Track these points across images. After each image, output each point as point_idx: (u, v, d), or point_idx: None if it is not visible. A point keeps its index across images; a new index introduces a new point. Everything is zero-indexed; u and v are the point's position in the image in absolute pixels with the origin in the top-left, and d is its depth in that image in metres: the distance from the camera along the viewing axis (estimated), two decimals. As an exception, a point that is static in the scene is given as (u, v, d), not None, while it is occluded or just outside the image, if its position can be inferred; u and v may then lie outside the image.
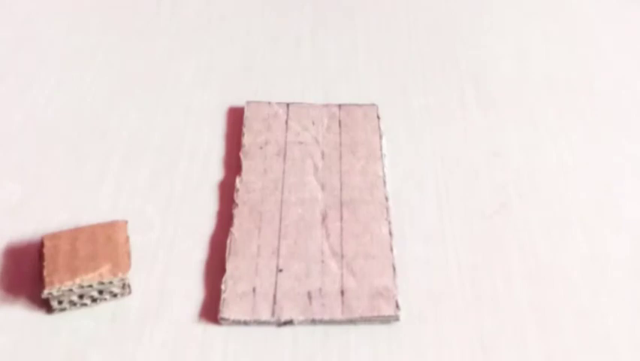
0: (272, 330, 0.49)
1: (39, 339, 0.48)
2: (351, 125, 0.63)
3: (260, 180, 0.57)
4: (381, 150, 0.61)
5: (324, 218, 0.55)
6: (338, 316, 0.49)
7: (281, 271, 0.51)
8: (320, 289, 0.51)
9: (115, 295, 0.50)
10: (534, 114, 0.65)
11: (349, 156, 0.60)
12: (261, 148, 0.60)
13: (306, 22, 0.75)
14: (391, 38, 0.73)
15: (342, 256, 0.53)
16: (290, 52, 0.72)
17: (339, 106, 0.64)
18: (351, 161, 0.60)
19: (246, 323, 0.49)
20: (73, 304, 0.49)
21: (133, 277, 0.50)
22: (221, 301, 0.49)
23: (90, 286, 0.48)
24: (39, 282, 0.49)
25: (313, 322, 0.49)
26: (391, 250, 0.53)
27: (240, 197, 0.56)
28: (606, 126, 0.64)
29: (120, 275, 0.49)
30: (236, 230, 0.54)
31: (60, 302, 0.49)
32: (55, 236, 0.51)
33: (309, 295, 0.50)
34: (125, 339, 0.48)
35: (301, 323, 0.49)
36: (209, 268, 0.52)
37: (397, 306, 0.50)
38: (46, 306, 0.49)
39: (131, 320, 0.49)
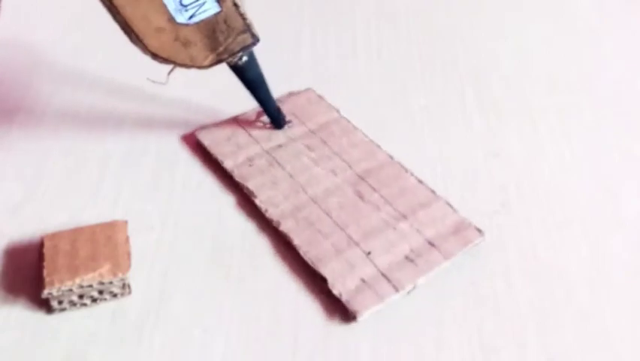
0: (271, 330, 0.49)
1: (39, 339, 0.48)
2: (305, 113, 0.64)
3: (276, 192, 0.56)
4: (349, 121, 0.62)
5: (360, 196, 0.56)
6: (443, 262, 0.51)
7: (369, 253, 0.52)
8: (412, 250, 0.52)
9: (115, 295, 0.50)
10: (534, 114, 0.65)
11: (330, 138, 0.61)
12: (251, 165, 0.59)
13: (306, 22, 0.75)
14: (391, 38, 0.73)
15: (405, 216, 0.54)
16: (289, 52, 0.72)
17: (280, 99, 0.64)
18: (336, 141, 0.61)
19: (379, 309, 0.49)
20: (73, 304, 0.49)
21: (133, 277, 0.50)
22: (346, 303, 0.49)
23: (90, 286, 0.48)
24: (39, 282, 0.49)
25: (427, 277, 0.50)
26: (433, 192, 0.56)
27: (274, 215, 0.55)
28: (606, 126, 0.64)
29: (120, 275, 0.49)
30: (303, 244, 0.53)
31: (60, 302, 0.49)
32: (55, 236, 0.51)
33: (409, 258, 0.51)
34: (125, 339, 0.48)
35: (422, 283, 0.50)
36: (209, 267, 0.53)
37: (480, 231, 0.53)
38: (46, 306, 0.49)
39: (131, 320, 0.49)
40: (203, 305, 0.50)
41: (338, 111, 0.63)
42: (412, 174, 0.58)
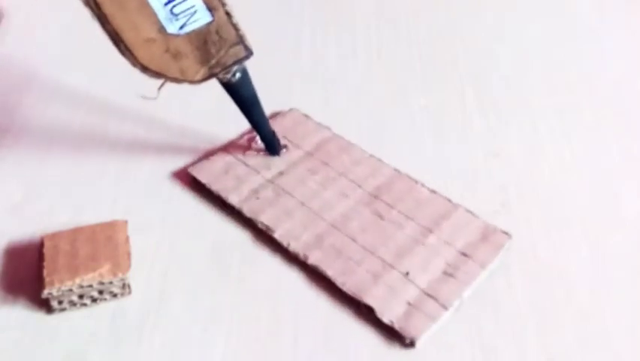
0: (271, 330, 0.49)
1: (39, 339, 0.48)
2: (296, 135, 0.61)
3: (293, 223, 0.54)
4: (343, 138, 0.61)
5: (379, 215, 0.55)
6: (481, 272, 0.51)
7: (407, 273, 0.51)
8: (448, 264, 0.51)
9: (115, 295, 0.50)
10: (534, 114, 0.65)
11: (330, 158, 0.59)
12: (258, 198, 0.56)
13: (307, 22, 0.75)
14: (391, 39, 0.73)
15: (430, 230, 0.53)
16: (289, 52, 0.72)
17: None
18: (336, 160, 0.59)
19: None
20: (73, 304, 0.49)
21: (133, 277, 0.50)
22: (400, 330, 0.47)
23: (90, 286, 0.48)
24: (39, 282, 0.49)
25: (471, 285, 0.50)
26: (449, 200, 0.55)
27: (298, 248, 0.53)
28: (606, 126, 0.64)
29: (120, 275, 0.49)
30: (337, 275, 0.51)
31: (60, 302, 0.49)
32: (55, 236, 0.51)
33: (447, 273, 0.51)
34: (125, 339, 0.48)
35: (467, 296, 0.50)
36: (209, 267, 0.53)
37: (507, 233, 0.53)
38: (46, 306, 0.49)
39: (131, 320, 0.49)
40: (203, 305, 0.50)
41: (328, 127, 0.62)
42: (422, 185, 0.57)
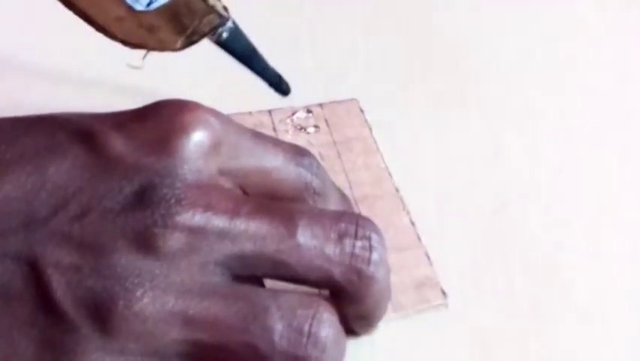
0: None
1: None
2: (338, 122, 0.62)
3: None
4: (375, 142, 0.60)
5: None
6: (391, 313, 0.48)
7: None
8: None
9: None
10: (534, 114, 0.65)
11: (347, 153, 0.59)
12: None
13: (306, 21, 0.74)
14: (391, 38, 0.73)
15: None
16: (286, 53, 0.71)
17: (321, 105, 0.63)
18: (350, 158, 0.59)
19: None
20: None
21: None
22: None
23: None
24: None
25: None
26: (419, 238, 0.53)
27: None
28: (606, 126, 0.64)
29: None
30: None
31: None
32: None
33: None
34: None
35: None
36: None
37: (444, 293, 0.50)
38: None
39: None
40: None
41: (370, 129, 0.62)
42: (407, 213, 0.55)
